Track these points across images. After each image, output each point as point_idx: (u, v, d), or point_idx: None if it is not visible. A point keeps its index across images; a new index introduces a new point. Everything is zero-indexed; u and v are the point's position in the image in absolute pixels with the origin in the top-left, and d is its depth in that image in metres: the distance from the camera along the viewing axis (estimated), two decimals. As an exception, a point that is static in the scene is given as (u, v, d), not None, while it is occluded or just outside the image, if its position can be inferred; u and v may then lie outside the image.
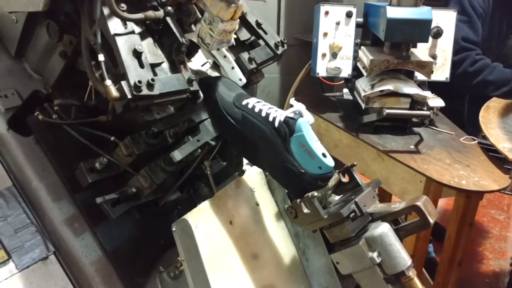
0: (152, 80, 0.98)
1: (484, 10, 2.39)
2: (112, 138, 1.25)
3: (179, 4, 1.14)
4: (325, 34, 2.02)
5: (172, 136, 1.20)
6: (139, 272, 1.42)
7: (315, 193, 1.02)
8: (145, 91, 0.97)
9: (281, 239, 1.31)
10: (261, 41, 1.41)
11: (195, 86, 1.12)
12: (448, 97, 2.06)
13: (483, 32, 2.40)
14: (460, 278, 1.86)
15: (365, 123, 1.94)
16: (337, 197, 1.09)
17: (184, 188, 1.44)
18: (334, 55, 2.02)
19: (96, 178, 1.25)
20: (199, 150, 1.22)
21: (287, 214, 1.13)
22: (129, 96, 0.96)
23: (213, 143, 1.24)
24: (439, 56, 2.07)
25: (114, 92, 0.96)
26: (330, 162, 1.04)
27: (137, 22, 1.05)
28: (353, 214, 1.05)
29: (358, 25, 2.06)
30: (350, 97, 2.26)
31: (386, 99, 1.87)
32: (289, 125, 1.09)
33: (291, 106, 1.23)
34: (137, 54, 1.01)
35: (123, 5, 1.01)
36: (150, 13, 1.05)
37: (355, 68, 2.07)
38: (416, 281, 0.99)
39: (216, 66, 1.45)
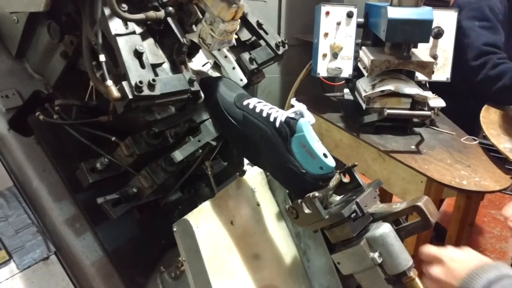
0: (153, 80, 0.98)
1: (503, 16, 2.28)
2: (113, 138, 1.25)
3: (180, 4, 1.14)
4: (326, 34, 2.03)
5: (173, 136, 1.20)
6: (140, 272, 1.42)
7: (316, 194, 1.02)
8: (146, 92, 0.97)
9: (282, 240, 1.31)
10: (262, 42, 1.41)
11: (196, 87, 1.12)
12: (448, 97, 2.06)
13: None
14: (461, 278, 1.86)
15: (366, 123, 1.94)
16: (338, 198, 1.09)
17: (185, 188, 1.44)
18: (335, 55, 2.03)
19: (97, 178, 1.24)
20: (200, 151, 1.21)
21: (288, 215, 1.13)
22: (130, 97, 0.96)
23: (214, 143, 1.24)
24: (440, 56, 2.07)
25: (115, 93, 0.96)
26: (331, 162, 1.04)
27: (138, 22, 1.05)
28: (354, 214, 1.05)
29: (359, 25, 2.06)
30: (351, 97, 2.26)
31: (387, 99, 1.87)
32: (290, 125, 1.09)
33: (292, 106, 1.23)
34: (138, 55, 1.01)
35: (124, 5, 1.00)
36: (151, 14, 1.05)
37: (355, 68, 2.08)
38: (418, 281, 0.99)
39: (217, 66, 1.45)
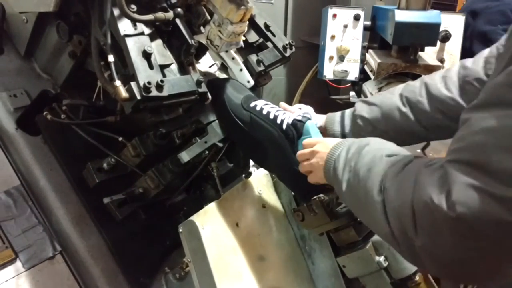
0: (161, 81, 0.99)
1: None
2: (120, 139, 1.25)
3: (189, 6, 1.14)
4: (333, 37, 2.02)
5: (179, 137, 1.20)
6: (145, 272, 1.42)
7: (322, 196, 1.02)
8: (154, 92, 0.97)
9: (287, 242, 1.31)
10: (269, 43, 1.41)
11: (203, 88, 1.12)
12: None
13: None
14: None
15: (372, 126, 1.93)
16: (344, 201, 1.09)
17: (191, 189, 1.44)
18: (341, 58, 2.02)
19: (104, 178, 1.25)
20: (207, 152, 1.22)
21: (294, 217, 1.13)
22: (139, 97, 0.96)
23: (220, 144, 1.24)
24: (446, 60, 2.07)
25: (123, 93, 0.96)
26: (338, 165, 1.04)
27: (147, 23, 1.05)
28: (360, 217, 1.05)
29: (366, 28, 2.05)
30: (357, 100, 2.25)
31: (393, 103, 1.86)
32: (297, 127, 1.09)
33: (299, 108, 1.23)
34: (146, 55, 1.01)
35: (133, 6, 1.01)
36: (160, 15, 1.05)
37: (362, 71, 2.07)
38: (423, 286, 0.99)
39: (224, 68, 1.45)
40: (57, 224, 1.36)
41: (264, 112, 1.16)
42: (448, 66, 2.07)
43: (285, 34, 3.12)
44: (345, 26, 2.02)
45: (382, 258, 1.03)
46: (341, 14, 2.01)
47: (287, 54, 1.41)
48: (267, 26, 1.41)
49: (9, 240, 1.27)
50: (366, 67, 2.05)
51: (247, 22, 1.13)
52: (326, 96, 2.63)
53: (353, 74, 2.06)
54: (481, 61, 1.05)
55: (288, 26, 3.16)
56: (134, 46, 1.01)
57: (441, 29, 1.89)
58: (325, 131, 1.22)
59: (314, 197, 1.03)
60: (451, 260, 0.62)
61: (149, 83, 0.96)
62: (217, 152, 1.27)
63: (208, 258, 1.09)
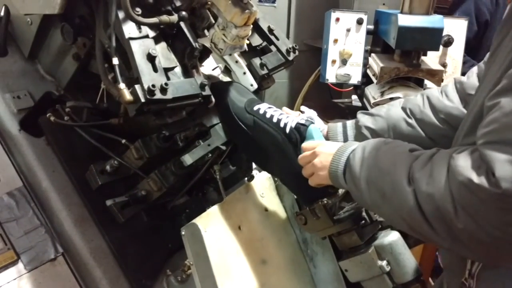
0: (166, 84, 0.99)
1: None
2: (123, 141, 1.25)
3: (193, 9, 1.15)
4: (336, 41, 2.02)
5: (183, 140, 1.20)
6: (147, 275, 1.42)
7: (325, 200, 1.03)
8: (158, 95, 0.98)
9: (289, 245, 1.31)
10: (272, 47, 1.41)
11: (207, 91, 1.12)
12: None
13: None
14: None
15: (374, 130, 1.93)
16: (347, 205, 1.09)
17: (193, 192, 1.44)
18: (344, 62, 2.02)
19: (106, 180, 1.25)
20: (210, 155, 1.22)
21: (297, 221, 1.13)
22: (143, 100, 0.96)
23: (223, 147, 1.24)
24: (449, 65, 2.06)
25: (127, 96, 0.97)
26: (341, 169, 1.04)
27: (151, 26, 1.05)
28: (363, 221, 1.05)
29: (368, 32, 2.05)
30: (359, 104, 2.25)
31: (395, 107, 1.86)
32: (300, 131, 1.09)
33: (302, 112, 1.23)
34: (151, 58, 1.01)
35: (138, 9, 1.01)
36: (165, 18, 1.05)
37: (364, 75, 2.07)
38: (426, 290, 0.98)
39: (227, 71, 1.45)
40: (59, 226, 1.36)
41: (268, 115, 1.16)
42: (450, 71, 2.07)
43: (288, 38, 3.12)
44: (348, 30, 2.02)
45: (384, 263, 1.02)
46: (344, 18, 2.01)
47: (290, 58, 1.42)
48: (270, 30, 1.41)
49: (11, 242, 1.28)
50: (368, 71, 2.05)
51: (251, 25, 1.13)
52: (328, 99, 2.63)
53: (356, 78, 2.06)
54: (474, 76, 1.09)
55: (291, 30, 3.16)
56: (138, 49, 1.01)
57: (443, 34, 1.89)
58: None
59: (317, 201, 1.03)
60: (494, 238, 0.65)
61: (153, 86, 0.97)
62: (220, 155, 1.27)
63: (210, 261, 1.09)
